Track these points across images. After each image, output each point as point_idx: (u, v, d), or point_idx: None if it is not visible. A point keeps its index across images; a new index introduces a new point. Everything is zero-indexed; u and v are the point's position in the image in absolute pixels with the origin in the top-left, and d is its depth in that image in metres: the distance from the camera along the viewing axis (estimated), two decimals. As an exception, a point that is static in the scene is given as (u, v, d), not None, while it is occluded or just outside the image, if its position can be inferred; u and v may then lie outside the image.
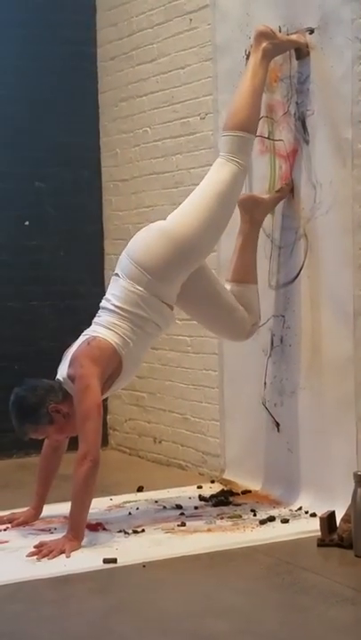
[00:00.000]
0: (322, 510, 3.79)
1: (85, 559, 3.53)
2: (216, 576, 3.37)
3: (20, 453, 5.44)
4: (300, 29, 4.14)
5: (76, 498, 3.67)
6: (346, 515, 3.60)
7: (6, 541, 3.80)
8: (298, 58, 4.17)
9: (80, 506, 3.67)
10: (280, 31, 4.19)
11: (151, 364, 5.29)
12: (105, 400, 4.03)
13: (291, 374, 4.31)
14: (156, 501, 4.36)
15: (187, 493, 4.50)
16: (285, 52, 4.19)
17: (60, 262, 5.75)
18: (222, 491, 4.49)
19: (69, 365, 3.85)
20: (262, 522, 3.95)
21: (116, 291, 3.96)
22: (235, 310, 4.17)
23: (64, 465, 4.04)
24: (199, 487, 4.62)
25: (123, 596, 3.17)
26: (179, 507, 4.24)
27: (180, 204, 4.11)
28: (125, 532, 3.85)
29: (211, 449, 4.91)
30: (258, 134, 4.19)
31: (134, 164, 5.52)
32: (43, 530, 3.94)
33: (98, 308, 4.03)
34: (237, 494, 4.42)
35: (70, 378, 3.82)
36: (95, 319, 4.00)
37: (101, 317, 3.97)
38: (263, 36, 4.13)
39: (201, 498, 4.39)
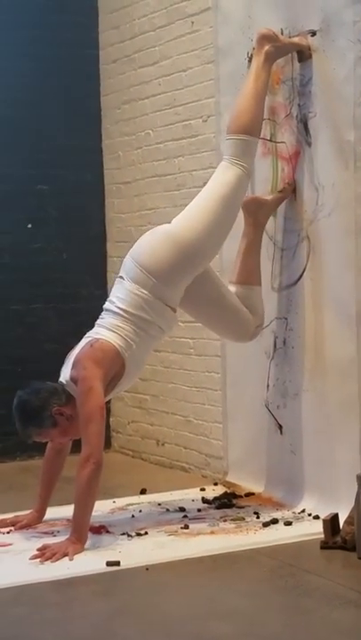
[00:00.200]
0: (325, 513, 3.79)
1: (89, 562, 3.53)
2: (219, 579, 3.37)
3: (24, 456, 5.44)
4: (302, 32, 4.14)
5: (79, 500, 3.67)
6: (349, 517, 3.60)
7: (9, 544, 3.80)
8: (300, 60, 4.17)
9: (83, 508, 3.67)
10: (282, 33, 4.19)
11: (154, 366, 5.29)
12: (108, 402, 4.03)
13: (294, 376, 4.30)
14: (160, 504, 4.36)
15: (190, 496, 4.50)
16: (288, 55, 4.19)
17: (62, 265, 5.75)
18: (225, 493, 4.49)
19: (72, 367, 3.85)
20: (265, 524, 3.95)
21: (121, 293, 3.96)
22: (239, 312, 4.17)
23: (67, 467, 4.05)
24: (202, 489, 4.62)
25: (126, 599, 3.17)
26: (182, 509, 4.24)
27: (182, 206, 4.12)
28: (129, 535, 3.85)
29: (214, 451, 4.91)
30: (260, 137, 4.20)
31: (136, 167, 5.52)
32: (46, 532, 3.94)
33: (101, 311, 4.03)
34: (240, 497, 4.42)
35: (73, 380, 3.83)
36: (98, 321, 4.00)
37: (105, 319, 3.97)
38: (266, 39, 4.13)
39: (204, 500, 4.39)
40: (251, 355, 4.49)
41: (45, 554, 3.57)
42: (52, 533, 3.91)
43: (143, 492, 4.61)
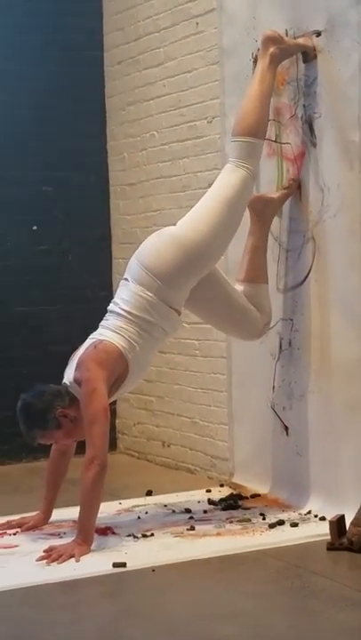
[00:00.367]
0: (331, 514, 3.78)
1: (95, 563, 3.53)
2: (225, 580, 3.37)
3: (30, 458, 5.43)
4: (306, 32, 4.13)
5: (84, 502, 3.67)
6: (355, 518, 3.59)
7: (16, 546, 3.80)
8: (305, 61, 4.17)
9: (89, 510, 3.68)
10: (287, 34, 4.19)
11: (159, 367, 5.28)
12: (113, 404, 4.04)
13: (299, 377, 4.30)
14: (165, 505, 4.36)
15: (196, 497, 4.50)
16: (293, 56, 4.19)
17: (67, 266, 5.76)
18: (231, 494, 4.49)
19: (76, 369, 3.85)
20: (271, 525, 3.95)
21: (125, 295, 3.96)
22: (247, 311, 4.18)
23: (72, 469, 4.05)
24: (208, 491, 4.62)
25: (132, 601, 3.17)
26: (188, 511, 4.24)
27: (187, 207, 4.11)
28: (135, 536, 3.85)
29: (219, 453, 4.91)
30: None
31: (141, 168, 5.52)
32: (52, 534, 3.94)
33: (106, 312, 4.03)
34: (246, 498, 4.42)
35: (77, 381, 3.83)
36: (102, 322, 4.00)
37: (109, 321, 3.97)
38: (271, 40, 4.13)
39: (210, 502, 4.39)
40: (256, 356, 4.49)
41: (52, 555, 3.57)
42: (59, 535, 3.91)
43: (149, 493, 4.61)
